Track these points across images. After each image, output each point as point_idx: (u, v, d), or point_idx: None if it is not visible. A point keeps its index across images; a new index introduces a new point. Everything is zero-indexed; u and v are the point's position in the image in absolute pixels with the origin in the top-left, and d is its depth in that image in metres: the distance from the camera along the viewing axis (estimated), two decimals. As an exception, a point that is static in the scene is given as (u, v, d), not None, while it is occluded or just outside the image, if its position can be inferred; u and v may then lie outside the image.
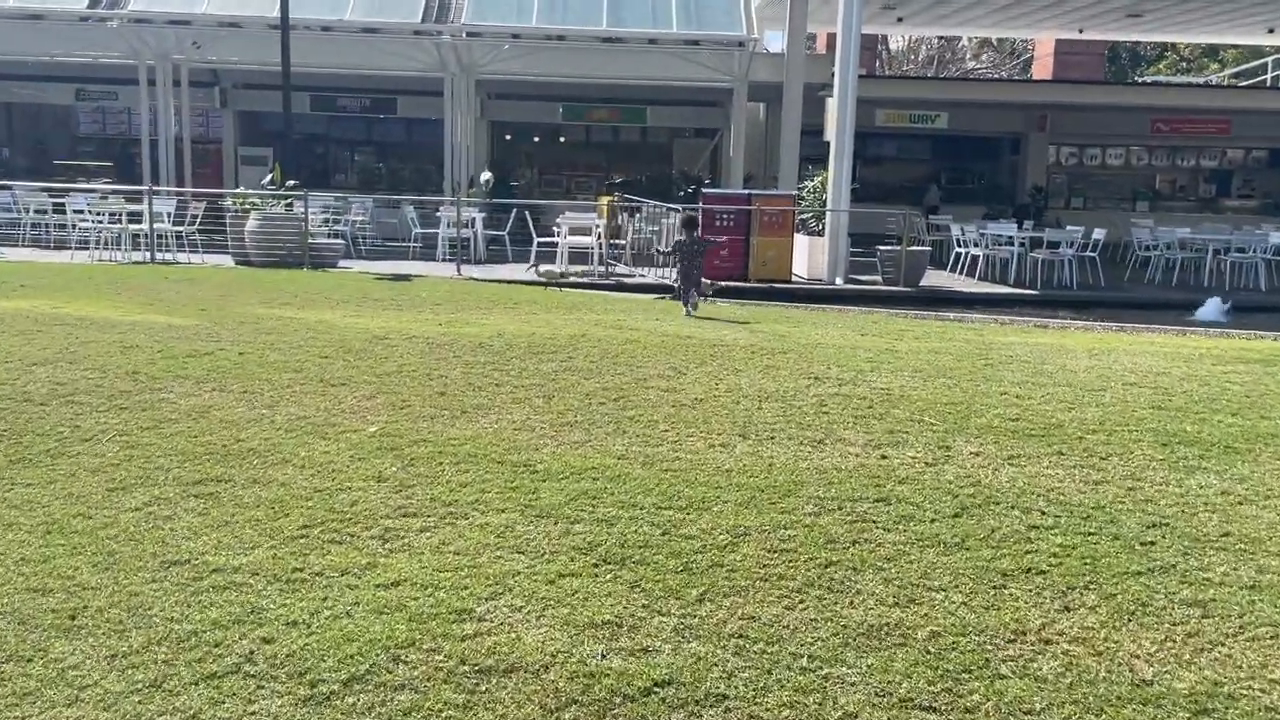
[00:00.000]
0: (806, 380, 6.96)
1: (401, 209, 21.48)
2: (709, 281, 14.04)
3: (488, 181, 18.60)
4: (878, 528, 4.16)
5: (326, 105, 26.08)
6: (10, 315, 8.68)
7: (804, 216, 17.15)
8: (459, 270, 15.66)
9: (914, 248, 16.41)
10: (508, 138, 27.96)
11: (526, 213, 17.02)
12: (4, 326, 8.12)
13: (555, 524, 4.22)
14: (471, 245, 17.63)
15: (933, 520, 4.25)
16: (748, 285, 15.51)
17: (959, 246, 18.28)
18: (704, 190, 17.52)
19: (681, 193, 23.06)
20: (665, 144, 28.17)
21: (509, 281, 14.72)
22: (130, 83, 21.60)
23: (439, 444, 5.34)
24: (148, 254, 15.45)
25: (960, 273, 17.94)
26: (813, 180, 17.94)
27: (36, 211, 17.86)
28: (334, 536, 4.09)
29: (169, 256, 16.10)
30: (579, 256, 16.65)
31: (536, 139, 28.39)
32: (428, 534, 4.13)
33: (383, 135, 27.78)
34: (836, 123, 16.17)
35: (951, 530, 4.16)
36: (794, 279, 16.42)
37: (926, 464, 5.03)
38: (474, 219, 18.09)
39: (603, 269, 14.55)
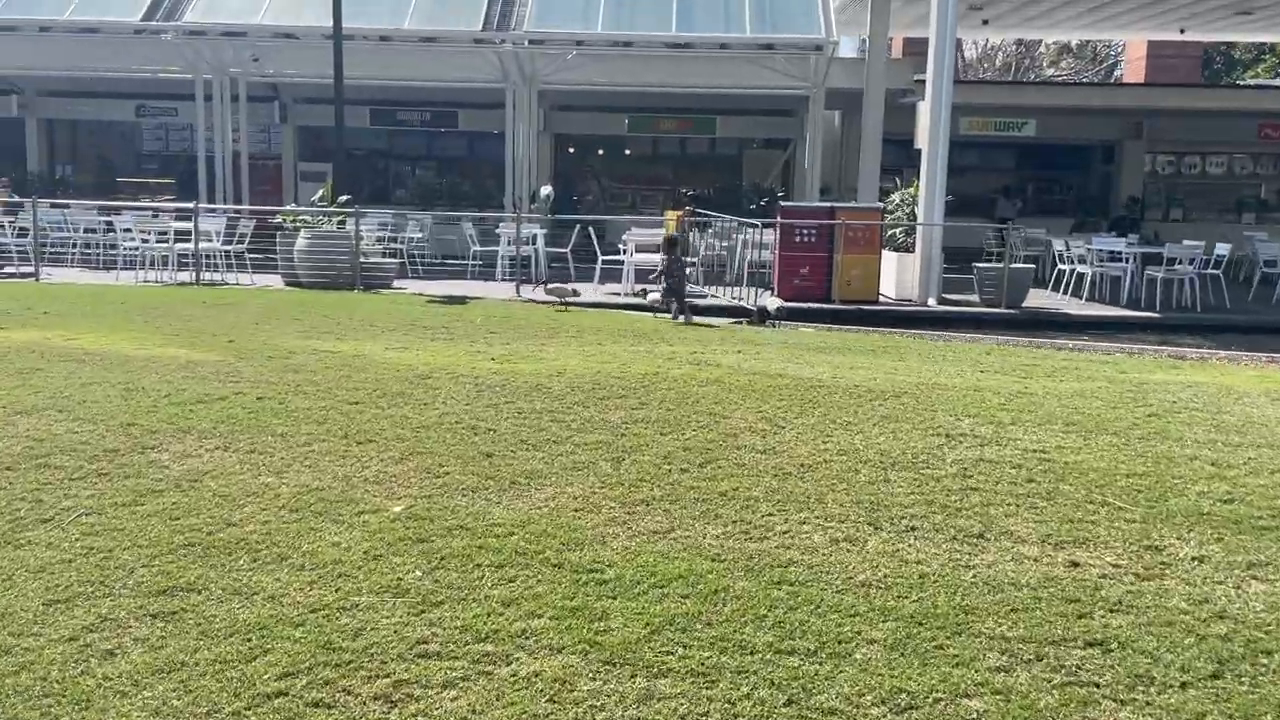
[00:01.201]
0: (936, 437, 5.64)
1: (460, 226, 20.58)
2: (781, 304, 12.77)
3: (548, 197, 17.54)
4: (1105, 697, 2.85)
5: (386, 119, 25.36)
6: (16, 349, 7.76)
7: (892, 231, 15.74)
8: (518, 291, 14.58)
9: (1016, 265, 14.89)
10: (570, 151, 26.96)
11: (591, 229, 15.89)
12: (3, 363, 7.18)
13: (632, 677, 2.99)
14: (532, 264, 16.57)
15: (1183, 684, 2.92)
16: (831, 307, 14.15)
17: (1061, 263, 16.68)
18: (782, 204, 16.22)
19: (753, 206, 21.79)
20: (735, 155, 26.89)
21: (573, 304, 13.58)
22: (190, 98, 21.05)
23: (478, 532, 4.15)
24: (195, 274, 14.65)
25: (1064, 292, 16.34)
26: (901, 192, 16.52)
27: (86, 231, 17.26)
28: (322, 695, 2.91)
29: (217, 277, 15.31)
30: (646, 275, 15.46)
31: (601, 152, 27.35)
32: (453, 692, 2.93)
33: (443, 150, 26.98)
34: (930, 129, 14.76)
35: (1216, 702, 2.84)
36: (881, 299, 15.02)
37: (1138, 576, 3.69)
38: (535, 236, 17.03)
39: (655, 292, 13.41)
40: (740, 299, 14.47)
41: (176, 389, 6.56)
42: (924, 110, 15.12)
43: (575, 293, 13.30)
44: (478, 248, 17.36)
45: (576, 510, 4.43)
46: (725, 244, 17.15)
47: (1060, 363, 8.90)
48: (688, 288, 12.79)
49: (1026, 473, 4.93)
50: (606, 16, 19.43)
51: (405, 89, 23.22)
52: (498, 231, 17.39)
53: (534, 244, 16.91)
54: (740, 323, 12.64)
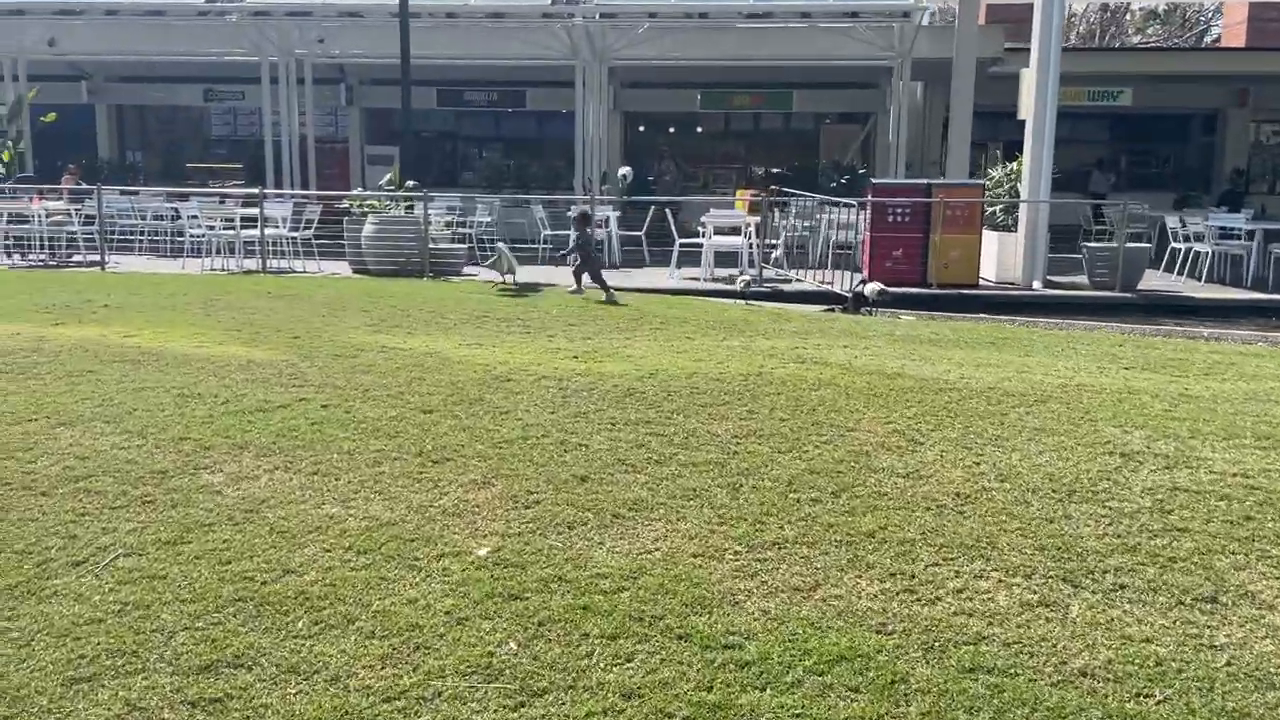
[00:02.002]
0: (1110, 457, 4.77)
1: (529, 209, 19.94)
2: (882, 288, 11.85)
3: (624, 177, 16.77)
4: None
5: (453, 100, 24.78)
6: (70, 348, 7.26)
7: (992, 209, 14.65)
8: (575, 279, 13.82)
9: (1131, 245, 13.73)
10: (641, 129, 26.12)
11: (667, 211, 15.09)
12: (54, 365, 6.67)
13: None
14: (605, 248, 15.84)
15: None
16: (928, 292, 13.18)
17: (1175, 241, 15.42)
18: (873, 181, 15.22)
19: (833, 184, 20.77)
20: (812, 131, 25.80)
21: (649, 290, 12.84)
22: (257, 81, 20.72)
23: (581, 586, 3.43)
24: (262, 262, 14.21)
25: (1178, 273, 15.10)
26: (1002, 166, 15.41)
27: (154, 218, 16.99)
28: (399, 842, 2.21)
29: (283, 264, 14.87)
30: (726, 259, 14.65)
31: (672, 130, 26.45)
32: (570, 839, 2.21)
33: (510, 130, 26.36)
34: (1035, 97, 13.64)
35: None
36: (981, 283, 13.99)
37: None
38: (608, 218, 16.30)
39: (748, 278, 12.53)
40: (828, 283, 13.58)
41: (235, 395, 5.97)
42: (1028, 77, 13.99)
43: (510, 271, 12.34)
44: (548, 231, 16.69)
45: (695, 555, 3.68)
46: (807, 225, 16.24)
47: (1210, 356, 7.89)
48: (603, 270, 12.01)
49: (1242, 508, 4.05)
50: (681, -14, 18.54)
51: (472, 68, 22.61)
52: (569, 214, 16.67)
53: (607, 227, 16.18)
54: (832, 310, 11.77)
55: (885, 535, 3.83)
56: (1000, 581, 3.43)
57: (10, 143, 19.29)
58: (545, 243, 16.56)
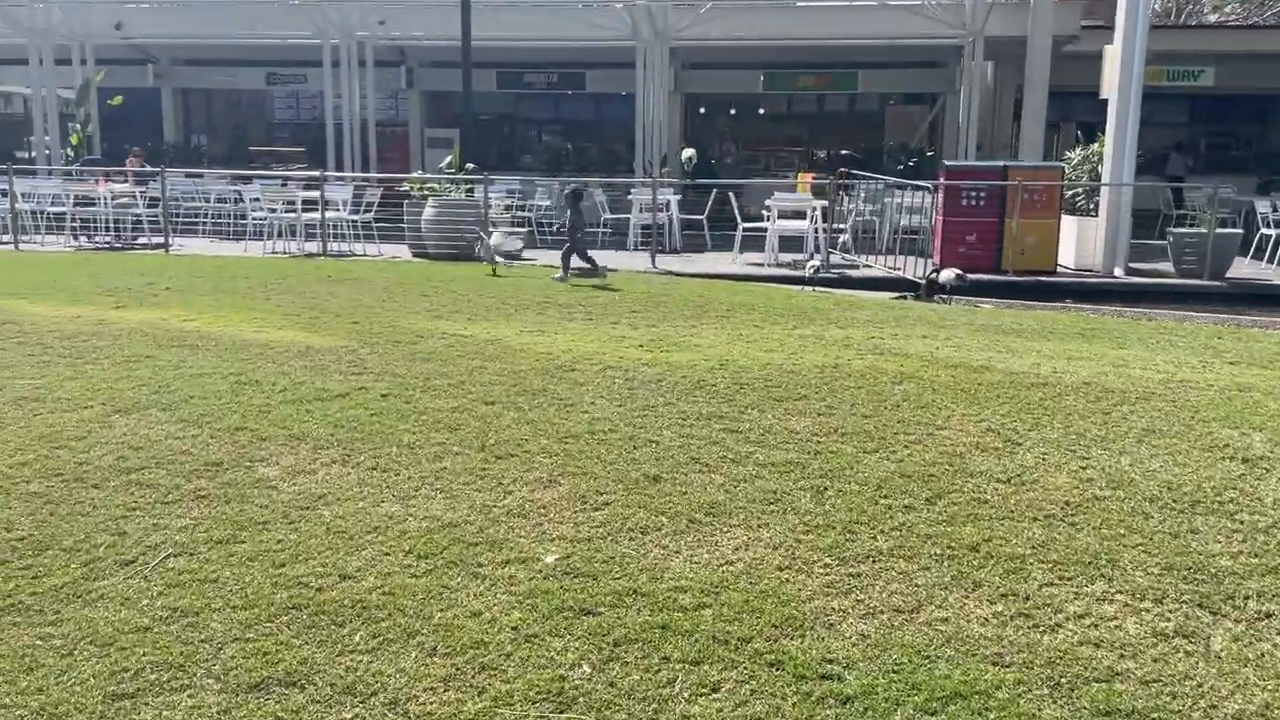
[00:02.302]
0: (1230, 462, 4.36)
1: (589, 192, 19.69)
2: (958, 273, 11.39)
3: (689, 159, 16.39)
4: None
5: (512, 82, 24.58)
6: (129, 331, 7.17)
7: (1073, 193, 14.03)
8: (654, 262, 13.57)
9: (1222, 230, 13.03)
10: (701, 111, 25.69)
11: (731, 195, 14.71)
12: (113, 349, 6.56)
13: None
14: (666, 232, 15.52)
15: None
16: (1005, 279, 12.65)
17: (1266, 227, 14.65)
18: (946, 164, 14.67)
19: (900, 166, 20.18)
20: (876, 113, 25.13)
21: (712, 276, 12.51)
22: (318, 64, 20.73)
23: (658, 601, 3.15)
24: (322, 245, 14.15)
25: (1268, 260, 14.34)
26: (1078, 149, 14.75)
27: (217, 200, 17.05)
28: None
29: (344, 247, 14.81)
30: (790, 244, 14.25)
31: (733, 111, 26.00)
32: None
33: (570, 113, 26.10)
34: (1120, 75, 12.99)
35: None
36: (1059, 269, 13.41)
37: None
38: (669, 202, 15.96)
39: (816, 263, 12.12)
40: (897, 269, 13.12)
41: (293, 382, 5.78)
42: (1112, 55, 13.33)
43: (502, 251, 11.97)
44: (608, 215, 16.42)
45: (781, 568, 3.38)
46: (874, 208, 15.75)
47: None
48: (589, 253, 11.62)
49: (1393, 525, 3.63)
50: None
51: (532, 50, 22.37)
52: (629, 198, 16.38)
53: (668, 210, 15.86)
54: (904, 296, 11.34)
55: (991, 549, 3.48)
56: (1127, 606, 3.07)
57: (79, 126, 19.55)
58: (605, 227, 16.30)
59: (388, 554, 3.55)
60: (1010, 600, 3.12)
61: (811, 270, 11.58)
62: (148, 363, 6.19)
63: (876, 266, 13.62)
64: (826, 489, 4.10)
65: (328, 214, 14.25)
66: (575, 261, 11.43)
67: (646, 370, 6.16)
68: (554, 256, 14.38)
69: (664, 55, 20.14)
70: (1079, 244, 13.67)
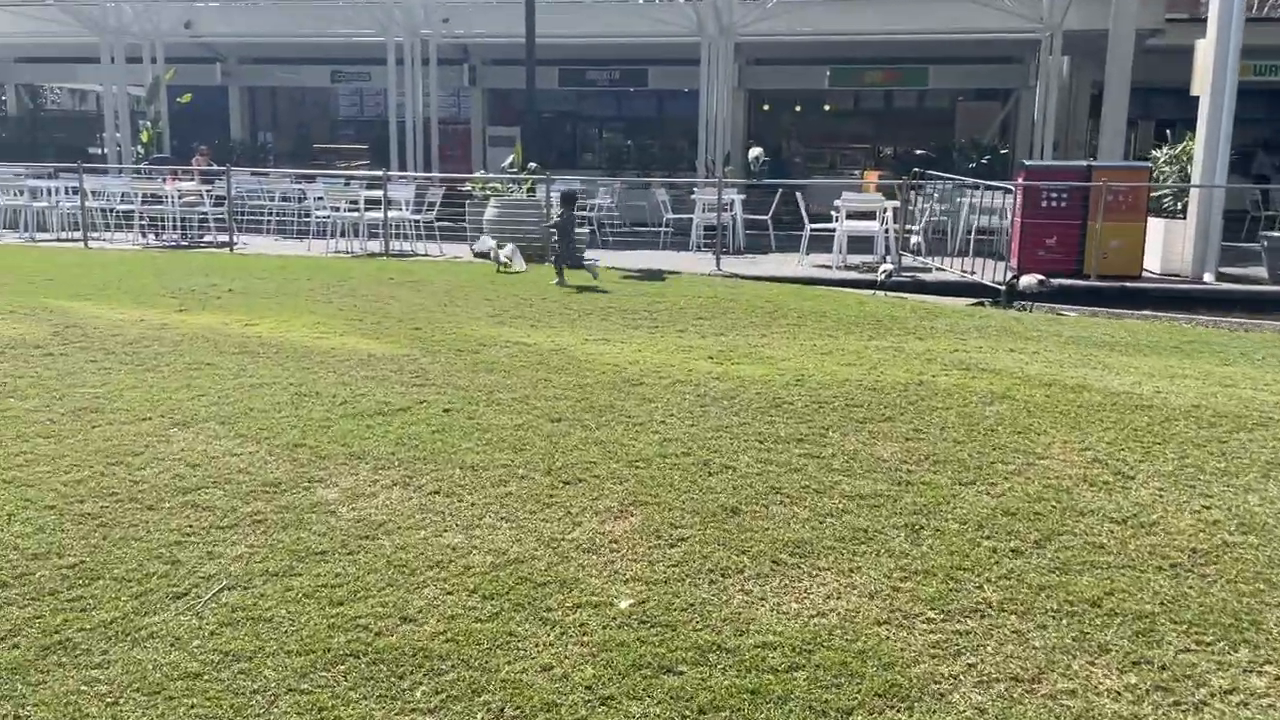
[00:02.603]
0: (1376, 507, 3.94)
1: (651, 191, 19.43)
2: (1041, 279, 10.90)
3: (757, 159, 16.02)
4: None
5: (574, 80, 24.40)
6: (191, 336, 7.07)
7: (1160, 194, 13.39)
8: (718, 264, 13.25)
9: (1321, 235, 12.32)
10: (765, 108, 25.27)
11: (798, 194, 14.32)
12: (175, 356, 6.46)
13: None
14: (730, 233, 15.19)
15: None
16: (1087, 284, 12.10)
17: (1367, 231, 13.84)
18: (1025, 163, 14.12)
19: (971, 165, 19.57)
20: (946, 109, 24.47)
21: (779, 279, 12.16)
22: (382, 62, 20.78)
23: (746, 659, 2.86)
24: (385, 244, 14.08)
25: (1371, 266, 13.53)
26: (1165, 148, 14.09)
27: (282, 199, 17.12)
28: None
29: (406, 247, 14.73)
30: (858, 245, 13.84)
31: (798, 108, 25.52)
32: None
33: (631, 110, 25.86)
34: (1214, 71, 12.34)
35: None
36: (1144, 274, 12.80)
37: None
38: (733, 201, 15.62)
39: (890, 267, 11.68)
40: (971, 273, 12.63)
41: (354, 394, 5.60)
42: (1205, 49, 12.67)
43: (493, 255, 11.55)
44: (671, 215, 16.13)
45: (880, 622, 3.07)
46: (945, 208, 15.24)
47: None
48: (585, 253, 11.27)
49: None
50: (815, -43, 17.60)
51: (595, 46, 22.16)
52: (692, 197, 16.07)
53: (732, 210, 15.53)
54: (982, 303, 10.88)
55: (1114, 605, 3.14)
56: (1279, 680, 2.72)
57: (149, 123, 19.82)
58: (667, 226, 16.03)
59: (451, 593, 3.32)
60: (1144, 670, 2.78)
61: (884, 274, 11.18)
62: (208, 371, 6.07)
63: (950, 270, 13.14)
64: (922, 527, 3.77)
65: (390, 213, 14.18)
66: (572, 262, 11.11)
67: (718, 385, 5.87)
68: (616, 257, 14.16)
69: (728, 51, 19.79)
70: (1165, 247, 13.04)
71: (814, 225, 13.79)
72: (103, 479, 4.29)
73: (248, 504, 4.05)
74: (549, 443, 4.79)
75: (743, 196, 16.29)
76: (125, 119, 20.92)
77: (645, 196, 19.70)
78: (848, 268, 13.40)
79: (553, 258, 10.90)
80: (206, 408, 5.30)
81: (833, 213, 13.79)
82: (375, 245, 14.32)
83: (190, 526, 3.84)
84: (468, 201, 14.56)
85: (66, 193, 15.75)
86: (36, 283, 9.58)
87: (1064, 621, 3.06)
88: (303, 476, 4.35)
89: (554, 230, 11.08)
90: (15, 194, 15.85)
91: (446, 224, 15.00)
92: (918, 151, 19.07)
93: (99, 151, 23.57)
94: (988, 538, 3.67)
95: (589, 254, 14.58)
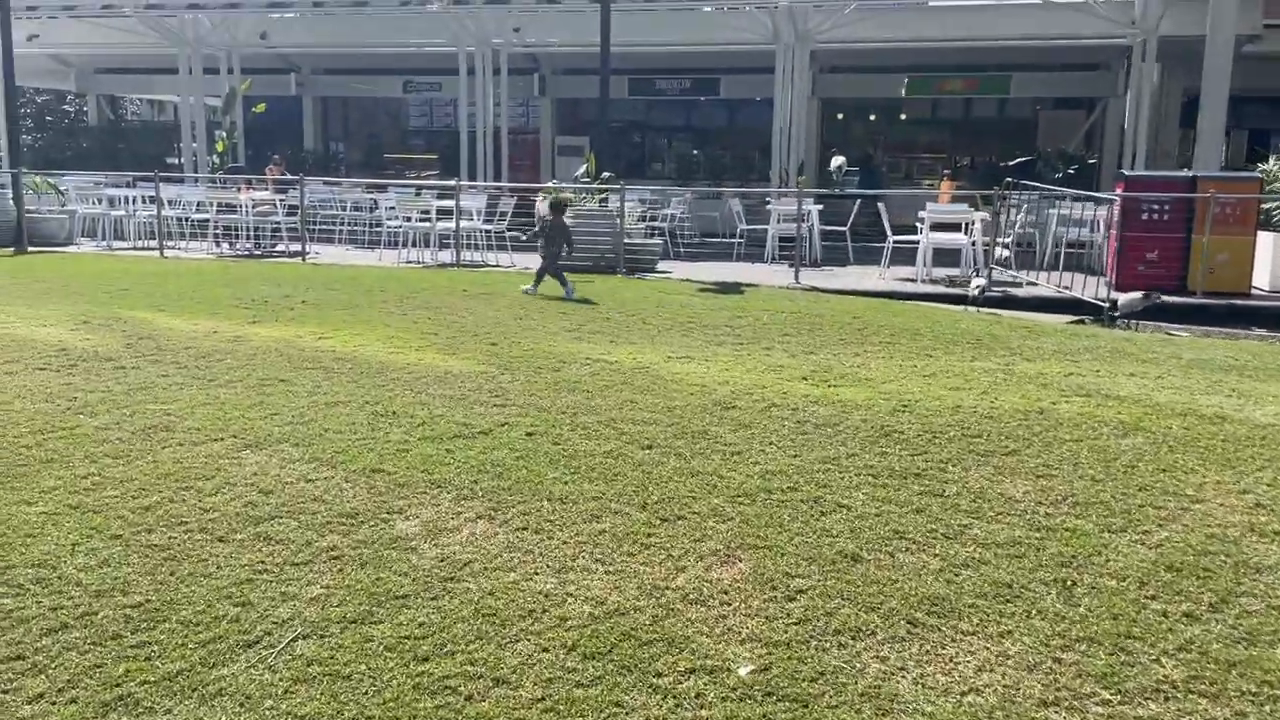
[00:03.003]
0: None
1: (723, 201, 19.06)
2: (1146, 294, 10.25)
3: (840, 168, 15.53)
4: None
5: (644, 89, 24.14)
6: (264, 349, 6.86)
7: (1271, 207, 12.63)
8: (797, 277, 12.80)
9: None
10: (839, 117, 24.73)
11: (880, 205, 13.82)
12: (247, 371, 6.24)
13: None
14: (806, 244, 14.74)
15: None
16: (1192, 301, 11.40)
17: None
18: (1125, 173, 13.43)
19: (1057, 175, 18.83)
20: (1028, 119, 23.68)
21: (860, 293, 11.68)
22: (453, 72, 20.75)
23: (896, 747, 2.45)
24: (456, 254, 13.88)
25: None
26: (1275, 159, 13.30)
27: (353, 208, 17.09)
28: None
29: (477, 257, 14.55)
30: (941, 258, 13.29)
31: (872, 117, 24.93)
32: None
33: (702, 119, 25.51)
34: (1333, 75, 11.54)
35: None
36: (1253, 291, 12.05)
37: None
38: (810, 212, 15.17)
39: (982, 282, 11.11)
40: (1066, 288, 12.01)
41: (432, 415, 5.31)
42: (1322, 52, 11.87)
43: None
44: (745, 226, 15.73)
45: (1045, 703, 2.64)
46: (1033, 220, 14.59)
47: None
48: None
49: None
50: (897, -39, 17.07)
51: (666, 55, 21.88)
52: (768, 208, 15.65)
53: (808, 220, 15.07)
54: (1082, 321, 10.28)
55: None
56: None
57: (224, 133, 20.01)
58: (741, 238, 15.63)
59: (546, 650, 2.96)
60: (1384, 779, 2.31)
61: (977, 290, 10.63)
62: (282, 388, 5.83)
63: (1042, 285, 12.52)
64: (1074, 583, 3.32)
65: (461, 223, 14.00)
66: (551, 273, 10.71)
67: (817, 410, 5.45)
68: (690, 269, 13.81)
69: (804, 59, 19.34)
70: (1275, 263, 12.27)
71: (897, 237, 13.28)
72: (172, 506, 4.04)
73: (323, 537, 3.76)
74: (641, 473, 4.43)
75: (819, 207, 15.83)
76: (201, 129, 21.17)
77: (717, 207, 19.33)
78: (933, 281, 12.87)
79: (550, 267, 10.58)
80: (280, 428, 5.04)
81: (917, 224, 13.26)
82: (446, 255, 14.16)
83: (262, 562, 3.55)
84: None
85: (143, 202, 15.88)
86: (112, 292, 9.53)
87: (1267, 709, 2.59)
88: (381, 507, 4.05)
89: (539, 236, 10.73)
90: (94, 203, 16.03)
91: (517, 234, 14.78)
92: (1011, 160, 18.30)
93: (176, 161, 23.93)
94: (1153, 598, 3.21)
95: (661, 265, 14.26)
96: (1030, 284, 12.74)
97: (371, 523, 3.90)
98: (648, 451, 4.73)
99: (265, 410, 5.35)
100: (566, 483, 4.31)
